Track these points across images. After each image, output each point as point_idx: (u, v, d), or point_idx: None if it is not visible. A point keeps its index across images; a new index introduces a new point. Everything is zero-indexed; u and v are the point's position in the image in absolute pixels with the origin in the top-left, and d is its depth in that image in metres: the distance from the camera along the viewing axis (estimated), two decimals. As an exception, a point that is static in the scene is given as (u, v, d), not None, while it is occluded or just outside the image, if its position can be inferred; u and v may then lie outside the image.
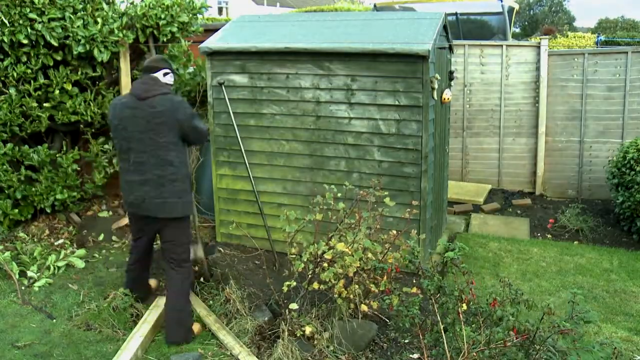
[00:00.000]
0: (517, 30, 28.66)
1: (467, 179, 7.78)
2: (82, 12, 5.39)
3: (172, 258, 3.98)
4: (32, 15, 5.11)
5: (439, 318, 3.03)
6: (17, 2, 5.07)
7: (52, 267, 4.93)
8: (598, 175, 7.16)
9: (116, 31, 5.50)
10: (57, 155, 5.57)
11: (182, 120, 3.80)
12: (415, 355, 3.66)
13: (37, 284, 4.69)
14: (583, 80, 7.12)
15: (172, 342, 3.88)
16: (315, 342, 3.67)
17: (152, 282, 4.62)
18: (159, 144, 3.77)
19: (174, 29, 5.89)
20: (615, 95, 7.05)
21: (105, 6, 5.53)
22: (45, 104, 5.43)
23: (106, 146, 5.82)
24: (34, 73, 5.33)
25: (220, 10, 31.22)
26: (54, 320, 4.20)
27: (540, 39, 7.58)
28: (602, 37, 13.81)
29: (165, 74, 3.92)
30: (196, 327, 4.05)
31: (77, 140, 5.99)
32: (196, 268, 4.62)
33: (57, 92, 5.43)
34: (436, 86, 4.57)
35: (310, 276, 3.83)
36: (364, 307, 3.86)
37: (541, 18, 31.37)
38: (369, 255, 3.75)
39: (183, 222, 3.97)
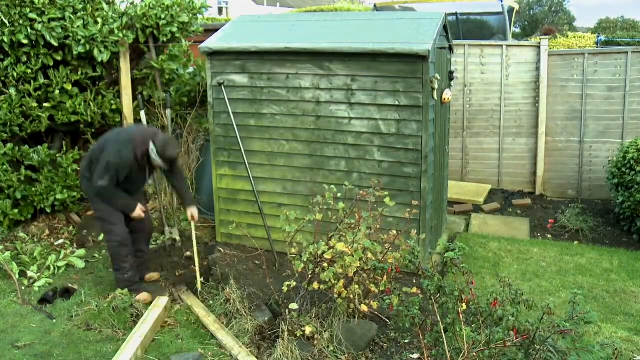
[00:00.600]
0: (517, 30, 28.64)
1: (467, 179, 7.78)
2: (82, 12, 5.39)
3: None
4: (32, 15, 5.11)
5: (439, 318, 3.03)
6: (17, 2, 5.07)
7: (52, 267, 4.93)
8: (598, 175, 7.16)
9: (116, 31, 5.50)
10: (57, 155, 5.57)
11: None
12: (415, 355, 3.66)
13: (37, 284, 4.69)
14: (583, 80, 7.12)
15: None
16: (315, 342, 3.67)
17: (155, 275, 4.83)
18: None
19: (174, 29, 5.89)
20: (615, 95, 7.04)
21: (105, 6, 5.53)
22: (45, 104, 5.43)
23: (106, 146, 5.82)
24: (34, 73, 5.33)
25: (220, 10, 31.21)
26: (54, 320, 4.20)
27: (540, 39, 7.58)
28: (602, 37, 13.79)
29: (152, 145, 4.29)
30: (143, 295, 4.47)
31: (77, 140, 5.99)
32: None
33: (57, 92, 5.43)
34: (436, 86, 4.57)
35: (310, 276, 3.83)
36: (364, 307, 3.86)
37: (541, 18, 31.36)
38: (369, 255, 3.74)
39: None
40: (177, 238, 5.33)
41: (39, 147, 5.49)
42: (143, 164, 4.30)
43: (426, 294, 3.13)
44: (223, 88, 4.99)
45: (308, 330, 3.69)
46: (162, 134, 4.42)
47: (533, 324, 2.76)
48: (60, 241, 5.46)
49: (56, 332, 4.03)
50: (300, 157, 4.96)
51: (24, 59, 5.26)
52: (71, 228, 5.73)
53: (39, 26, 5.14)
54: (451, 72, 5.47)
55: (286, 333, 3.66)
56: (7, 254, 4.90)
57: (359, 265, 3.69)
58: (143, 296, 4.46)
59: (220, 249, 5.13)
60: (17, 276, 4.70)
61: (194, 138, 6.15)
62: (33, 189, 5.42)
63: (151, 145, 4.23)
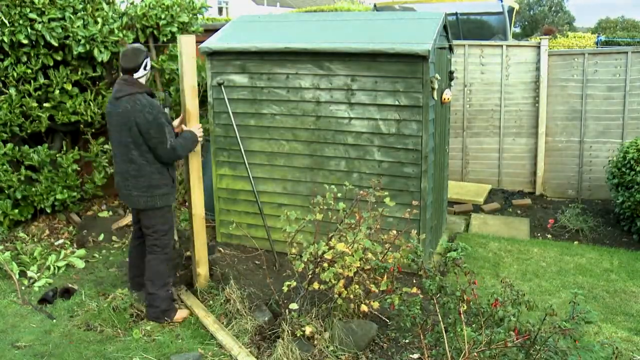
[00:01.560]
0: (517, 30, 28.65)
1: (467, 179, 7.78)
2: (82, 12, 5.39)
3: (149, 243, 4.23)
4: (32, 15, 5.11)
5: (440, 318, 3.03)
6: (17, 2, 5.07)
7: (52, 267, 4.93)
8: (598, 175, 7.16)
9: (116, 31, 5.50)
10: (57, 155, 5.57)
11: (139, 124, 3.91)
12: (416, 355, 3.66)
13: (37, 284, 4.69)
14: (583, 80, 7.12)
15: (150, 319, 4.20)
16: (315, 342, 3.67)
17: None
18: (122, 142, 4.01)
19: (174, 29, 5.89)
20: (615, 95, 7.05)
21: (105, 6, 5.53)
22: (45, 104, 5.43)
23: (106, 146, 5.82)
24: (34, 73, 5.33)
25: (220, 10, 31.21)
26: (54, 320, 4.20)
27: (540, 39, 7.58)
28: (602, 37, 13.80)
29: (145, 67, 4.03)
30: (182, 313, 4.27)
31: (77, 140, 5.99)
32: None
33: (57, 92, 5.43)
34: (436, 86, 4.57)
35: (310, 276, 3.83)
36: (364, 307, 3.86)
37: (541, 18, 31.36)
38: (369, 255, 3.74)
39: (154, 212, 4.14)
40: (176, 238, 5.33)
41: (39, 147, 5.48)
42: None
43: (426, 293, 3.13)
44: (223, 88, 4.98)
45: (308, 330, 3.69)
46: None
47: (534, 325, 2.76)
48: (60, 241, 5.46)
49: (56, 332, 4.03)
50: (300, 157, 4.96)
51: (24, 59, 5.26)
52: (71, 228, 5.73)
53: (39, 26, 5.14)
54: (451, 72, 5.47)
55: (286, 333, 3.66)
56: (7, 254, 4.90)
57: (359, 265, 3.69)
58: (183, 314, 4.27)
59: (220, 249, 5.13)
60: (17, 276, 4.70)
61: (194, 138, 6.14)
62: (33, 189, 5.42)
63: (147, 66, 4.04)
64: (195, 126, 4.28)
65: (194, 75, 4.26)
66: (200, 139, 4.28)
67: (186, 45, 4.17)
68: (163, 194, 4.11)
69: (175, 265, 5.07)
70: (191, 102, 4.29)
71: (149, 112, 3.89)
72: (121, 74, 4.06)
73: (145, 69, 4.03)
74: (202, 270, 4.55)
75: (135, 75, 3.99)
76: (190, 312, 4.31)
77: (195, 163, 4.38)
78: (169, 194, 4.15)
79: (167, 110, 5.67)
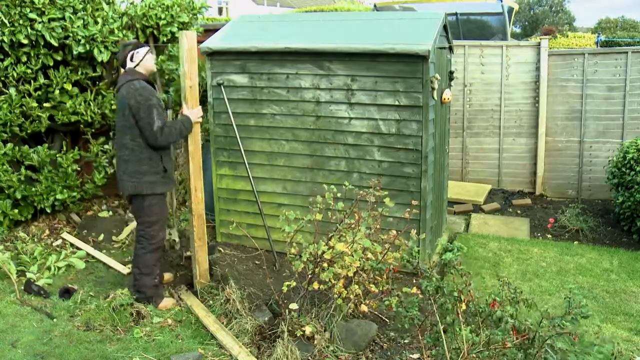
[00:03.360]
0: (517, 30, 28.66)
1: (467, 179, 7.78)
2: (82, 12, 5.39)
3: (137, 233, 4.34)
4: (32, 15, 5.11)
5: (438, 318, 3.03)
6: (17, 2, 5.07)
7: (52, 268, 4.92)
8: (598, 175, 7.16)
9: (116, 31, 5.50)
10: (57, 155, 5.57)
11: (131, 106, 4.02)
12: (416, 355, 3.66)
13: (37, 284, 4.68)
14: (583, 80, 7.12)
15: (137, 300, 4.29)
16: (315, 342, 3.67)
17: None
18: (118, 127, 4.18)
19: (174, 29, 5.89)
20: (615, 95, 7.05)
21: (105, 6, 5.53)
22: (45, 104, 5.44)
23: (106, 146, 5.83)
24: (34, 73, 5.33)
25: (220, 10, 31.22)
26: (54, 320, 4.19)
27: (540, 39, 7.58)
28: (602, 37, 13.80)
29: (131, 59, 4.17)
30: (167, 301, 4.38)
31: (77, 140, 5.99)
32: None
33: (57, 92, 5.43)
34: (436, 86, 4.57)
35: (310, 276, 3.83)
36: (363, 307, 3.86)
37: (541, 18, 31.37)
38: (369, 255, 3.75)
39: (140, 200, 4.22)
40: (177, 239, 5.33)
41: (39, 147, 5.48)
42: None
43: (425, 294, 3.13)
44: (222, 88, 4.99)
45: (308, 330, 3.69)
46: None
47: (533, 325, 2.76)
48: (60, 241, 5.46)
49: (56, 332, 4.03)
50: (300, 157, 4.96)
51: (24, 59, 5.26)
52: (71, 228, 5.73)
53: (39, 26, 5.14)
54: (451, 72, 5.47)
55: (286, 333, 3.66)
56: (7, 254, 4.90)
57: (358, 265, 3.69)
58: (169, 302, 4.39)
59: (220, 248, 5.13)
60: (15, 276, 4.70)
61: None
62: (33, 189, 5.42)
63: (134, 58, 4.15)
64: (194, 110, 4.31)
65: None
66: (199, 119, 4.34)
67: (187, 39, 4.19)
68: (150, 181, 4.17)
69: (175, 265, 5.08)
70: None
71: (140, 94, 4.01)
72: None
73: (132, 59, 4.17)
74: (202, 270, 4.55)
75: (129, 66, 4.16)
76: (177, 302, 4.42)
77: (195, 163, 4.38)
78: (157, 182, 4.19)
79: (168, 112, 5.69)
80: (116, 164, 4.30)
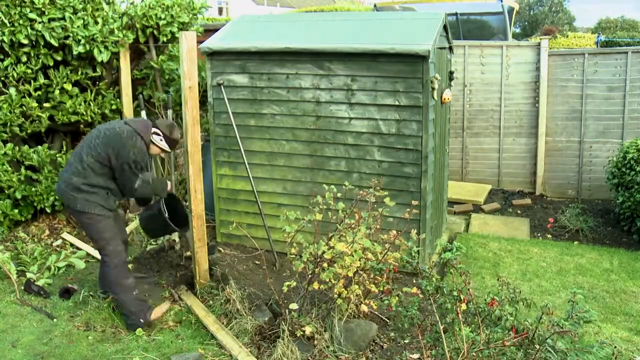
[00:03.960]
0: (517, 30, 28.66)
1: (467, 179, 7.78)
2: (82, 12, 5.39)
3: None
4: (32, 16, 5.11)
5: (437, 318, 3.03)
6: (17, 2, 5.07)
7: (52, 268, 4.93)
8: (598, 175, 7.16)
9: (116, 31, 5.50)
10: (57, 155, 5.57)
11: (122, 155, 3.92)
12: (416, 356, 3.66)
13: (37, 284, 4.69)
14: (583, 80, 7.12)
15: (130, 329, 4.10)
16: (315, 342, 3.67)
17: (163, 306, 4.45)
18: (92, 144, 4.03)
19: (174, 29, 5.89)
20: (615, 95, 7.05)
21: (105, 6, 5.54)
22: (45, 104, 5.44)
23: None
24: (34, 73, 5.33)
25: (220, 10, 31.21)
26: (54, 320, 4.20)
27: (540, 39, 7.58)
28: (602, 37, 13.80)
29: (156, 133, 4.12)
30: (160, 308, 4.22)
31: (77, 140, 5.98)
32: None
33: (57, 92, 5.43)
34: (436, 86, 4.57)
35: (310, 276, 3.83)
36: (363, 307, 3.86)
37: (541, 18, 31.35)
38: (369, 255, 3.74)
39: (78, 216, 4.06)
40: (177, 239, 5.33)
41: (39, 147, 5.49)
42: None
43: (425, 294, 3.13)
44: (222, 88, 4.99)
45: (308, 330, 3.69)
46: (158, 120, 4.27)
47: (532, 324, 2.76)
48: (60, 241, 5.46)
49: (56, 332, 4.03)
50: (300, 157, 4.96)
51: (24, 59, 5.26)
52: (71, 228, 5.73)
53: (39, 26, 5.14)
54: (451, 72, 5.47)
55: (286, 333, 3.66)
56: (7, 254, 4.90)
57: (358, 265, 3.69)
58: (162, 309, 4.23)
59: (220, 249, 5.13)
60: (15, 276, 4.70)
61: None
62: (33, 189, 5.42)
63: (153, 131, 4.09)
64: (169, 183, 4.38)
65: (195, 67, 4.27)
66: (168, 189, 4.35)
67: (186, 40, 4.17)
68: (88, 200, 3.95)
69: (174, 265, 5.08)
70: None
71: (138, 151, 3.94)
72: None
73: (156, 134, 4.11)
74: (202, 270, 4.55)
75: (152, 130, 4.11)
76: (171, 305, 4.35)
77: (195, 164, 4.38)
78: (90, 201, 3.95)
79: (168, 112, 5.69)
80: (65, 166, 4.13)
